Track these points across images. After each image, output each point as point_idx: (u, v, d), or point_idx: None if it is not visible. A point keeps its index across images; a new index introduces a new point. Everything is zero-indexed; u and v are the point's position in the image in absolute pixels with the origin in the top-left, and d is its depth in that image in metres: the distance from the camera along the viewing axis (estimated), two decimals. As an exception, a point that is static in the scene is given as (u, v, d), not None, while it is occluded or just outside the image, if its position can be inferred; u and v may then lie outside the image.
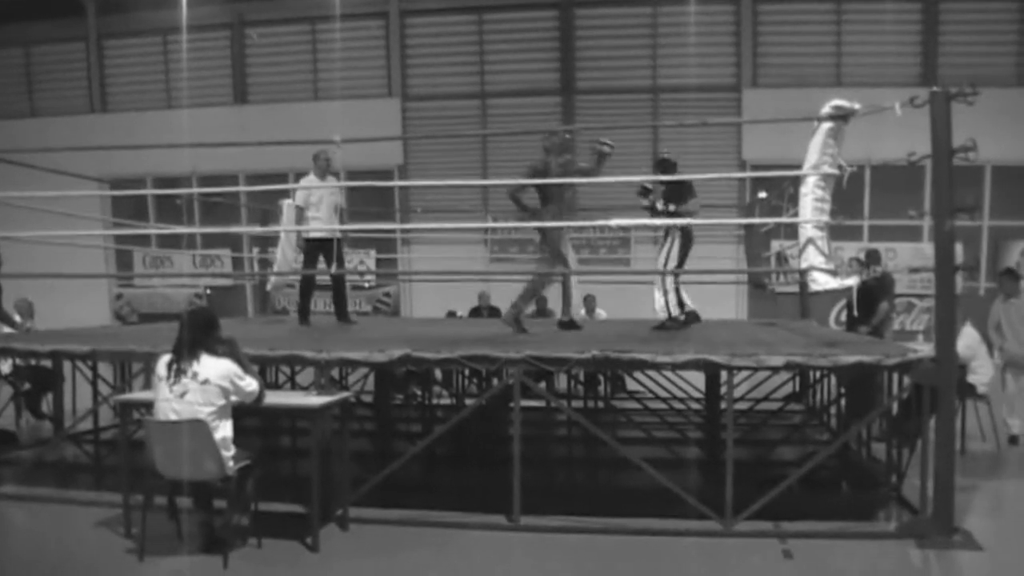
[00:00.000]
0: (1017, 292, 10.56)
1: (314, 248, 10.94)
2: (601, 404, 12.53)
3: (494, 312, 15.79)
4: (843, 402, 10.50)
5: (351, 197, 19.77)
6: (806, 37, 21.67)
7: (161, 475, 6.22)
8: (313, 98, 23.73)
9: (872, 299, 11.54)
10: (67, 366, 10.26)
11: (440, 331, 10.37)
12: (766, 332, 10.36)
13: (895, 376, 7.97)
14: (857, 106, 7.56)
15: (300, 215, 10.82)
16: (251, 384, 6.30)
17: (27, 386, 11.41)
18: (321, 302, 11.55)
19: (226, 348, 6.36)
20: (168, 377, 6.12)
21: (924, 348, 7.21)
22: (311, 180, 10.84)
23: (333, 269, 10.75)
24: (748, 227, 13.63)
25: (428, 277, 20.78)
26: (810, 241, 7.99)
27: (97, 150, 17.37)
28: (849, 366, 7.04)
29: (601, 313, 14.98)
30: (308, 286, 11.46)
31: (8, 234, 10.44)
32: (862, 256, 12.86)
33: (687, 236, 9.93)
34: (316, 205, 10.77)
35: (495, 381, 8.66)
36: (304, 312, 11.34)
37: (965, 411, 9.92)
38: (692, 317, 10.60)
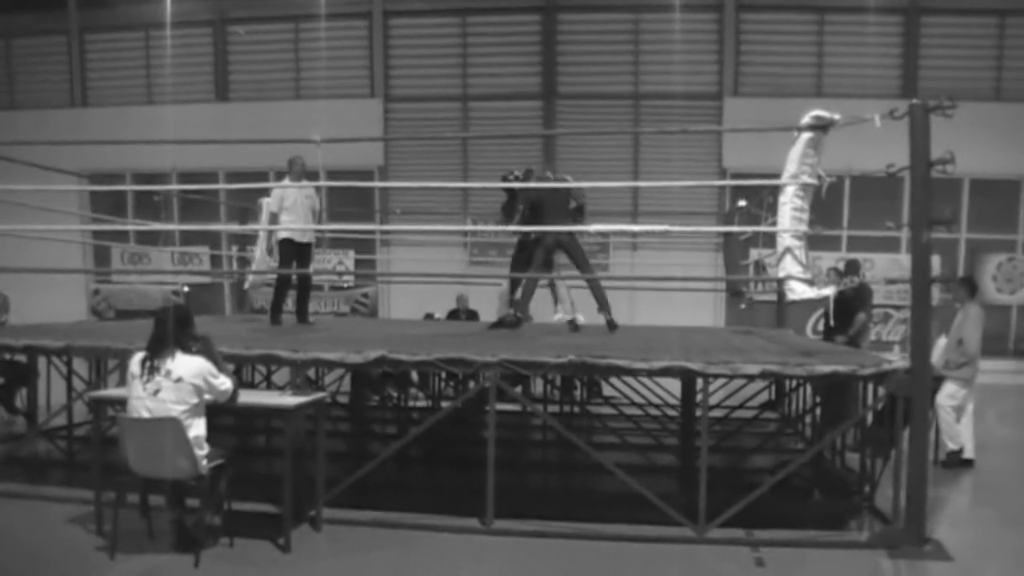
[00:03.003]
0: (963, 299, 10.42)
1: (288, 250, 10.89)
2: (577, 409, 12.54)
3: (472, 315, 15.78)
4: (818, 411, 10.55)
5: (331, 197, 19.76)
6: (788, 47, 21.75)
7: (134, 473, 6.18)
8: (295, 97, 23.65)
9: (849, 309, 11.60)
10: (42, 361, 10.20)
11: (417, 333, 10.36)
12: (742, 340, 10.39)
13: (870, 386, 8.01)
14: (837, 117, 7.58)
15: (274, 220, 10.80)
16: (225, 383, 6.27)
17: (1, 381, 11.32)
18: (290, 301, 11.53)
19: (200, 346, 6.34)
20: (141, 375, 6.09)
21: (899, 359, 7.25)
22: (285, 185, 10.83)
23: (306, 269, 10.99)
24: (727, 235, 13.65)
25: (407, 279, 20.76)
26: (788, 250, 8.01)
27: (77, 144, 17.26)
28: (824, 375, 7.07)
29: (580, 318, 14.96)
30: (284, 286, 11.47)
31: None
32: (840, 266, 12.93)
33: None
34: (290, 209, 10.74)
35: (471, 384, 8.65)
36: (276, 311, 11.37)
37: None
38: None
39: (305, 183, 10.88)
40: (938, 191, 6.90)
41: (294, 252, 10.87)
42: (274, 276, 11.36)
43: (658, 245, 20.74)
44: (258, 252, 11.84)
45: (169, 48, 23.74)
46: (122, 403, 6.40)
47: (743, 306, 15.33)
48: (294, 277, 11.27)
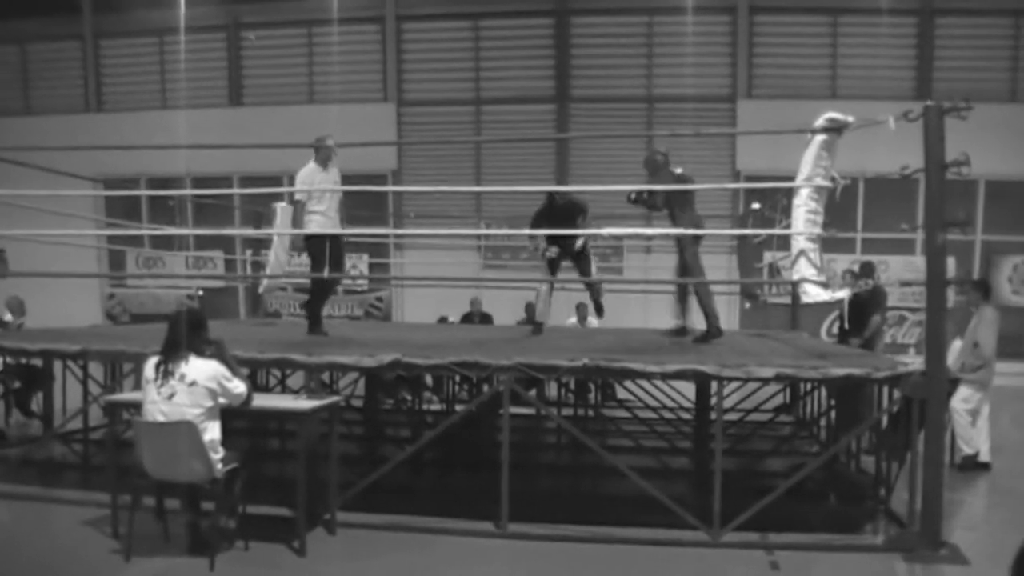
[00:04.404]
0: (978, 303, 10.38)
1: (320, 247, 9.38)
2: (591, 412, 12.51)
3: (486, 318, 15.77)
4: (833, 414, 10.51)
5: (344, 201, 19.76)
6: (801, 49, 21.70)
7: (149, 476, 6.21)
8: (308, 101, 23.70)
9: (864, 312, 11.55)
10: (57, 365, 10.23)
11: (431, 336, 10.35)
12: (757, 343, 10.36)
13: (885, 389, 7.98)
14: (851, 119, 7.56)
15: (300, 211, 9.44)
16: (239, 386, 6.28)
17: (17, 384, 11.36)
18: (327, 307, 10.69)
19: (214, 350, 6.36)
20: (156, 379, 6.11)
21: (915, 361, 7.22)
22: (312, 170, 9.42)
23: (340, 267, 9.83)
24: (741, 238, 13.64)
25: (420, 283, 20.77)
26: (802, 253, 8.00)
27: (91, 149, 17.33)
28: (839, 378, 7.05)
29: (593, 321, 14.96)
30: (322, 288, 10.22)
31: (1, 232, 10.43)
32: (855, 268, 12.88)
33: None
34: (319, 198, 9.40)
35: (485, 387, 8.64)
36: (317, 319, 10.13)
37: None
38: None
39: (332, 170, 9.59)
40: (953, 193, 6.88)
41: (328, 248, 9.40)
42: (288, 280, 10.98)
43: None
44: (272, 256, 11.79)
45: (183, 53, 23.82)
46: (137, 407, 6.43)
47: (747, 305, 15.30)
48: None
